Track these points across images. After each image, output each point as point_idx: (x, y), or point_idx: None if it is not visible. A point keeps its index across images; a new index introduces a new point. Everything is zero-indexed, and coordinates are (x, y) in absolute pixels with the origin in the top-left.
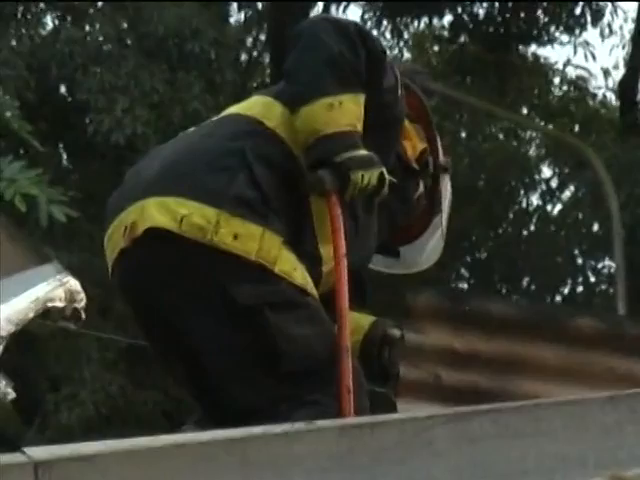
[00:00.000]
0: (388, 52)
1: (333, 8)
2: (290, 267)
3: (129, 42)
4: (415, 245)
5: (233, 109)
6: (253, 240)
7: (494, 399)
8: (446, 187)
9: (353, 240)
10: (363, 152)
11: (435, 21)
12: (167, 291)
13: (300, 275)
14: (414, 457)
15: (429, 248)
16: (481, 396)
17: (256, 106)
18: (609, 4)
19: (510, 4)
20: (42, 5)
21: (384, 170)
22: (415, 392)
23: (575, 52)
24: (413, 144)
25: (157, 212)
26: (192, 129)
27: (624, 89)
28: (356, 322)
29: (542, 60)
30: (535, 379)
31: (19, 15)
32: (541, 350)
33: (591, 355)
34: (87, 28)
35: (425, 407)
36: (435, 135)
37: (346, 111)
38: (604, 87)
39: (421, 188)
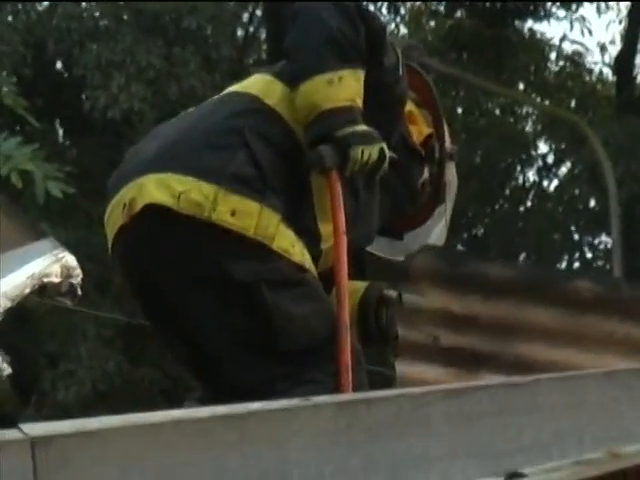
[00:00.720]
0: (387, 27)
1: None
2: (288, 244)
3: (125, 18)
4: (418, 232)
5: (233, 88)
6: (251, 217)
7: (492, 362)
8: (452, 174)
9: (354, 218)
10: (363, 127)
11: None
12: (165, 267)
13: (299, 252)
14: (411, 433)
15: (433, 235)
16: (479, 358)
17: (256, 84)
18: None
19: None
20: None
21: (384, 146)
22: (414, 354)
23: (571, 27)
24: (419, 129)
25: (155, 189)
26: (192, 108)
27: (621, 64)
28: (352, 287)
29: (538, 35)
30: (533, 342)
31: None
32: (539, 313)
33: (589, 318)
34: (83, 4)
35: (423, 370)
36: (442, 121)
37: (346, 86)
38: (600, 62)
39: (426, 174)
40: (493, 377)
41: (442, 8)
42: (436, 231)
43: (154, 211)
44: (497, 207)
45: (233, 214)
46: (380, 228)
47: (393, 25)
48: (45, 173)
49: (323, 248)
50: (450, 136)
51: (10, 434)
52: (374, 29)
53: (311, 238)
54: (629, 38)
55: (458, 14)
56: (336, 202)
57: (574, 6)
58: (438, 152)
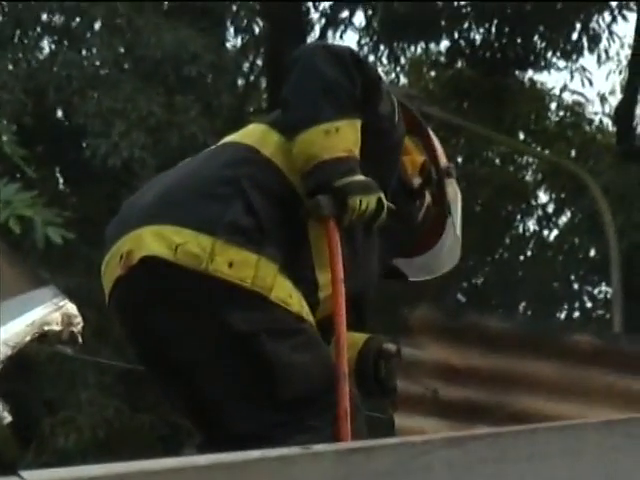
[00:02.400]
0: (385, 77)
1: (330, 33)
2: (286, 294)
3: (126, 66)
4: (435, 250)
5: (230, 137)
6: (249, 267)
7: (491, 414)
8: (454, 190)
9: (352, 265)
10: (361, 177)
11: (432, 46)
12: (163, 319)
13: (296, 302)
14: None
15: (448, 250)
16: (478, 411)
17: (253, 134)
18: (605, 30)
19: (507, 29)
20: (39, 29)
21: (382, 195)
22: (412, 407)
23: (572, 77)
24: (412, 159)
25: (152, 241)
26: (190, 158)
27: (620, 115)
28: (351, 339)
29: (539, 85)
30: (532, 395)
31: (16, 39)
32: (538, 366)
33: (588, 372)
34: (84, 52)
35: (422, 422)
36: (432, 143)
37: (343, 137)
38: (601, 113)
39: (428, 199)
40: (492, 429)
41: (442, 58)
42: (449, 245)
43: (151, 263)
44: (497, 256)
45: (230, 265)
46: (386, 271)
47: (393, 74)
48: (44, 219)
49: (321, 297)
50: (444, 155)
51: None
52: (370, 78)
53: (309, 287)
54: (629, 88)
55: (459, 64)
56: (334, 251)
57: (574, 56)
58: (435, 173)
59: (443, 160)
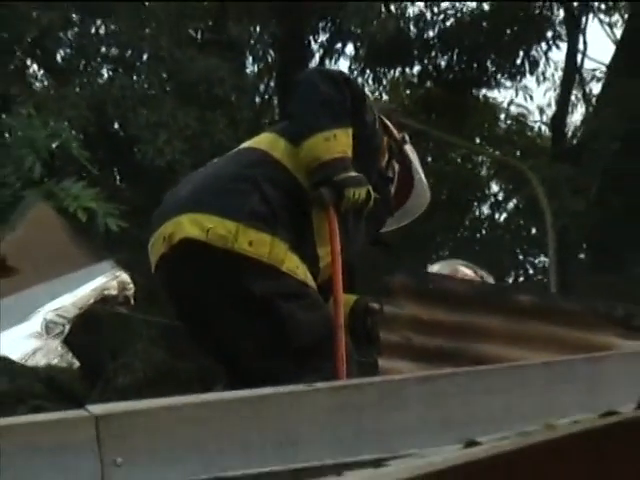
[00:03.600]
0: (370, 95)
1: (327, 60)
2: (294, 266)
3: (168, 88)
4: (411, 199)
5: (247, 143)
6: (265, 245)
7: (454, 358)
8: (411, 150)
9: (344, 242)
10: (354, 173)
11: (407, 70)
12: (197, 287)
13: (302, 272)
14: (391, 411)
15: (420, 193)
16: (443, 356)
17: (265, 141)
18: (543, 56)
19: (465, 57)
20: (99, 59)
21: (370, 188)
22: (392, 352)
23: (517, 94)
24: (382, 152)
25: (189, 225)
26: (216, 159)
27: (555, 123)
28: (344, 299)
29: (491, 100)
30: (486, 343)
31: (81, 67)
32: (491, 320)
33: (531, 324)
34: (135, 77)
35: (400, 364)
36: (387, 126)
37: (339, 142)
38: (539, 121)
39: (396, 167)
40: (455, 369)
41: (415, 79)
42: (421, 188)
43: (188, 243)
44: (458, 235)
45: (250, 244)
46: (370, 240)
47: (377, 93)
48: (104, 210)
49: (321, 266)
50: (396, 129)
51: (78, 413)
52: (357, 94)
53: (311, 259)
54: (561, 102)
55: (427, 84)
56: (333, 232)
57: (518, 77)
58: (394, 145)
59: (397, 134)
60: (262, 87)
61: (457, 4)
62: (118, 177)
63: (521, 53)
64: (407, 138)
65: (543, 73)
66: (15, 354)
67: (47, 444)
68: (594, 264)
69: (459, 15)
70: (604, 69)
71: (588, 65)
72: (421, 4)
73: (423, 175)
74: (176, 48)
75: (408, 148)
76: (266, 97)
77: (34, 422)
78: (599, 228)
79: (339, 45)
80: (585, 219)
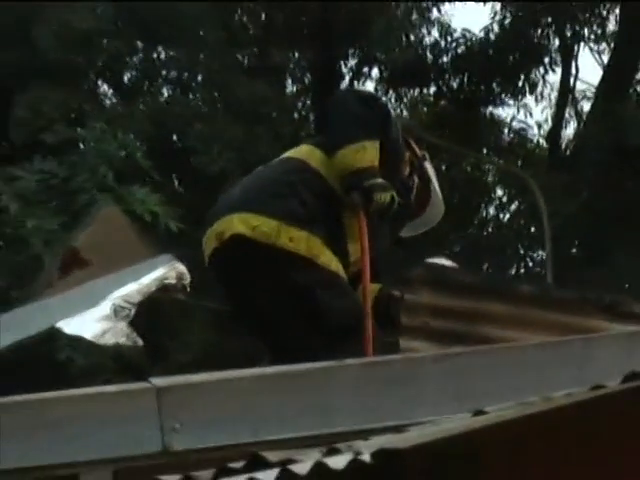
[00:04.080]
0: (392, 111)
1: (355, 82)
2: (328, 259)
3: (219, 106)
4: (428, 210)
5: (288, 154)
6: (302, 241)
7: (464, 339)
8: (430, 167)
9: (371, 239)
10: (380, 180)
11: (424, 91)
12: (245, 277)
13: (335, 265)
14: (411, 385)
15: (436, 206)
16: (456, 337)
17: (303, 152)
18: (541, 79)
19: (474, 79)
20: (160, 80)
21: (394, 193)
22: (412, 333)
23: (518, 111)
24: (405, 165)
25: (238, 223)
26: (261, 167)
27: (551, 137)
28: (370, 288)
29: (496, 117)
30: (492, 326)
31: (145, 88)
32: (496, 306)
33: (530, 310)
34: (191, 96)
35: (418, 344)
36: (410, 143)
37: (368, 153)
38: (538, 135)
39: (416, 180)
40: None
41: (431, 99)
42: (437, 201)
43: (237, 239)
44: (469, 232)
45: (291, 240)
46: (393, 239)
47: (398, 110)
48: (165, 213)
49: (351, 260)
50: (418, 148)
51: (142, 385)
52: (383, 112)
53: (343, 254)
54: (556, 119)
55: (442, 102)
56: (363, 231)
57: (520, 97)
58: (416, 161)
59: (419, 152)
60: (300, 105)
61: (467, 34)
62: (177, 183)
63: (522, 76)
64: (427, 156)
65: (541, 93)
66: (87, 335)
67: (115, 412)
68: (584, 259)
69: (469, 43)
70: (593, 90)
71: (579, 86)
72: (436, 34)
73: (439, 189)
74: (226, 72)
75: (427, 165)
76: (303, 114)
77: (105, 392)
78: (588, 228)
79: (366, 69)
80: (576, 220)
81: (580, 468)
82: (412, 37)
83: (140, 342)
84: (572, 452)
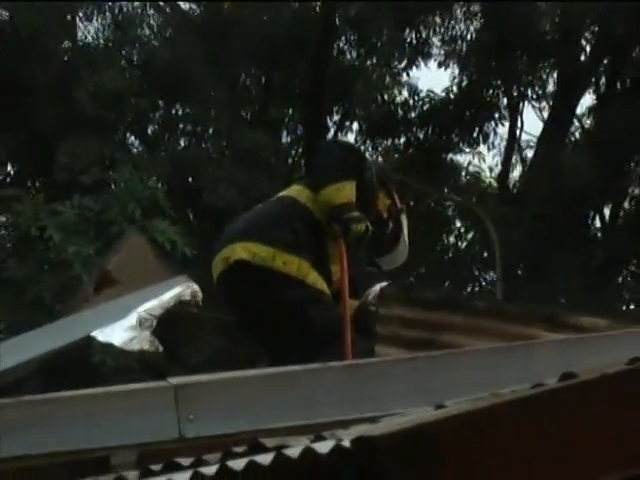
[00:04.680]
0: (368, 158)
1: (339, 134)
2: (315, 279)
3: (227, 152)
4: (394, 252)
5: (282, 193)
6: (294, 264)
7: (428, 346)
8: (404, 220)
9: (350, 262)
10: (357, 213)
11: (395, 140)
12: (247, 294)
13: (320, 284)
14: (384, 383)
15: (401, 251)
16: (421, 344)
17: (294, 191)
18: (492, 131)
19: (437, 131)
20: (178, 133)
21: (369, 224)
22: (385, 341)
23: (473, 157)
24: (383, 204)
25: (241, 250)
26: (260, 204)
27: (501, 178)
28: (350, 303)
29: (455, 162)
30: (451, 335)
31: (165, 138)
32: (456, 318)
33: (482, 321)
34: (203, 145)
35: (390, 350)
36: (393, 196)
37: (346, 191)
38: (490, 177)
39: (391, 225)
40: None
41: (401, 147)
42: (402, 249)
43: (240, 263)
44: (432, 257)
45: (284, 264)
46: (367, 263)
47: (374, 156)
48: (182, 241)
49: (333, 279)
50: (400, 202)
51: (161, 383)
52: (360, 157)
53: (327, 274)
54: (505, 164)
55: (410, 150)
56: (342, 255)
57: (475, 146)
58: (394, 211)
59: (398, 204)
60: (293, 152)
61: (431, 94)
62: (191, 216)
63: (476, 128)
64: (404, 210)
65: (492, 143)
66: (117, 341)
67: (140, 405)
68: (528, 278)
69: (433, 102)
70: (535, 140)
71: (524, 137)
72: (406, 94)
73: (407, 239)
74: (232, 125)
75: (403, 217)
76: (296, 159)
77: (131, 389)
78: (531, 253)
79: (347, 123)
80: (521, 246)
81: (522, 455)
82: (386, 97)
83: (160, 348)
84: (515, 440)
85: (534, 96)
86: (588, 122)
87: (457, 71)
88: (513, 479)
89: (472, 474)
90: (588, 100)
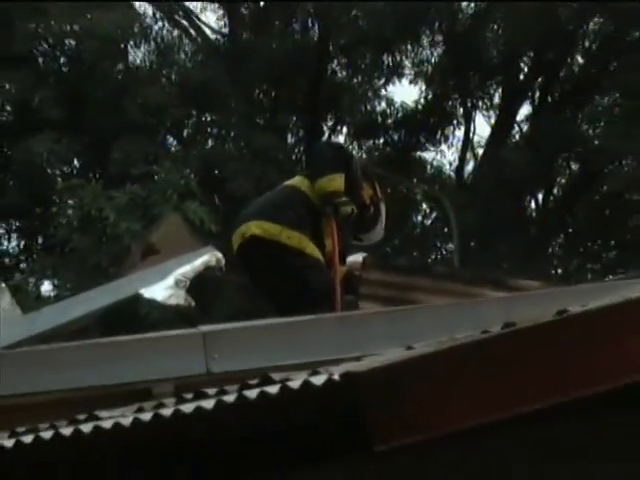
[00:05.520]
0: (354, 155)
1: (332, 136)
2: (312, 250)
3: (244, 151)
4: (373, 231)
5: (286, 182)
6: (295, 238)
7: (400, 302)
8: (382, 205)
9: (339, 237)
10: (344, 199)
11: (376, 141)
12: (259, 262)
13: (317, 253)
14: (366, 329)
15: (379, 231)
16: (395, 300)
17: (296, 180)
18: (451, 134)
19: (409, 134)
20: (206, 135)
21: (354, 206)
22: (366, 299)
23: (437, 154)
24: (367, 192)
25: (255, 227)
26: (269, 192)
27: (458, 171)
28: (339, 269)
29: (423, 158)
30: (418, 294)
31: (197, 139)
32: (420, 281)
33: (442, 283)
34: (226, 145)
35: (371, 304)
36: (376, 188)
37: (336, 181)
38: (450, 169)
39: (371, 211)
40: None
41: (381, 146)
42: (379, 229)
43: (254, 238)
44: (404, 232)
45: (288, 238)
46: (353, 238)
47: (359, 154)
48: (209, 220)
49: (327, 250)
50: (382, 192)
51: (193, 330)
52: (347, 154)
53: (321, 246)
54: (461, 160)
55: (387, 149)
56: (333, 231)
57: (438, 145)
58: (375, 199)
59: (379, 193)
60: (296, 151)
61: (404, 105)
62: (217, 200)
63: (439, 132)
64: (382, 198)
65: (451, 143)
66: (159, 298)
67: (177, 347)
68: (479, 249)
69: (405, 111)
70: (484, 141)
71: (476, 139)
72: (384, 104)
73: (383, 222)
74: (248, 129)
75: (382, 205)
76: (299, 156)
77: (169, 335)
78: (482, 230)
79: (338, 127)
80: (474, 224)
81: (471, 383)
82: (368, 107)
83: (193, 303)
84: (467, 372)
85: (483, 107)
86: (525, 127)
87: (424, 87)
88: (463, 401)
89: (432, 400)
90: (525, 110)
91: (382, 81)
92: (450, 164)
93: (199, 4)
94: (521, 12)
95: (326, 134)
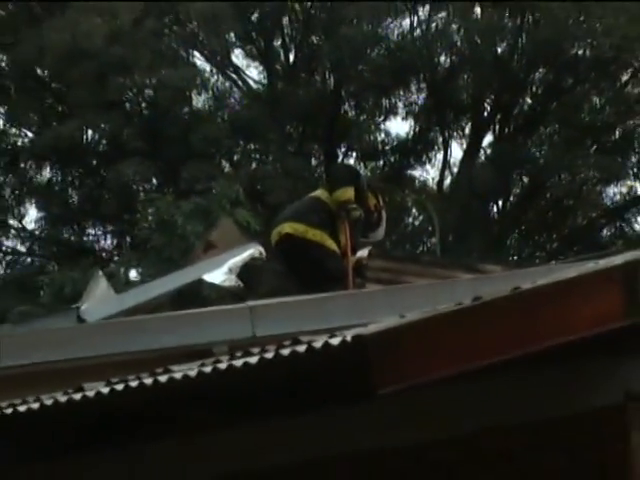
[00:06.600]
0: (361, 173)
1: (345, 159)
2: (331, 244)
3: (279, 171)
4: (376, 231)
5: (311, 194)
6: (318, 236)
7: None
8: (384, 212)
9: (351, 235)
10: (355, 205)
11: (377, 163)
12: (292, 254)
13: (334, 247)
14: (372, 303)
15: (381, 231)
16: (393, 282)
17: (318, 192)
18: (434, 157)
19: (402, 158)
20: (251, 160)
21: (362, 212)
22: (371, 281)
23: (423, 172)
24: (372, 202)
25: (288, 227)
26: (298, 201)
27: (439, 184)
28: (351, 259)
29: (412, 175)
30: (409, 277)
31: (244, 163)
32: (412, 268)
33: (428, 269)
34: (266, 167)
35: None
36: (379, 198)
37: (348, 193)
38: (433, 183)
39: (376, 216)
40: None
41: (381, 167)
42: (381, 230)
43: (288, 236)
44: (399, 230)
45: (313, 235)
46: (361, 236)
47: (365, 172)
48: (253, 222)
49: (342, 245)
50: (383, 201)
51: (242, 305)
52: (357, 173)
53: (337, 242)
54: (441, 176)
55: (386, 169)
56: (346, 231)
57: (424, 166)
58: (378, 206)
59: (381, 202)
60: (318, 170)
61: (397, 135)
62: (259, 207)
63: (424, 155)
64: (385, 207)
65: (434, 163)
66: (217, 282)
67: (230, 317)
68: (456, 243)
69: (399, 140)
70: (458, 162)
71: (452, 160)
72: (382, 136)
73: (384, 225)
74: (282, 154)
75: (383, 212)
76: (320, 174)
77: (225, 309)
78: (459, 229)
79: (349, 153)
80: (452, 224)
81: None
82: (372, 137)
83: (241, 285)
84: (446, 336)
85: (457, 136)
86: (489, 151)
87: (413, 122)
88: (445, 356)
89: (421, 355)
90: (489, 138)
91: (382, 118)
92: (433, 179)
93: (244, 62)
94: (484, 66)
95: (340, 158)
